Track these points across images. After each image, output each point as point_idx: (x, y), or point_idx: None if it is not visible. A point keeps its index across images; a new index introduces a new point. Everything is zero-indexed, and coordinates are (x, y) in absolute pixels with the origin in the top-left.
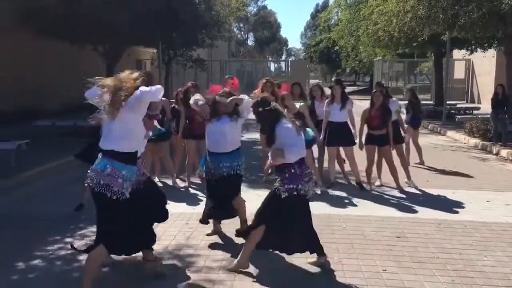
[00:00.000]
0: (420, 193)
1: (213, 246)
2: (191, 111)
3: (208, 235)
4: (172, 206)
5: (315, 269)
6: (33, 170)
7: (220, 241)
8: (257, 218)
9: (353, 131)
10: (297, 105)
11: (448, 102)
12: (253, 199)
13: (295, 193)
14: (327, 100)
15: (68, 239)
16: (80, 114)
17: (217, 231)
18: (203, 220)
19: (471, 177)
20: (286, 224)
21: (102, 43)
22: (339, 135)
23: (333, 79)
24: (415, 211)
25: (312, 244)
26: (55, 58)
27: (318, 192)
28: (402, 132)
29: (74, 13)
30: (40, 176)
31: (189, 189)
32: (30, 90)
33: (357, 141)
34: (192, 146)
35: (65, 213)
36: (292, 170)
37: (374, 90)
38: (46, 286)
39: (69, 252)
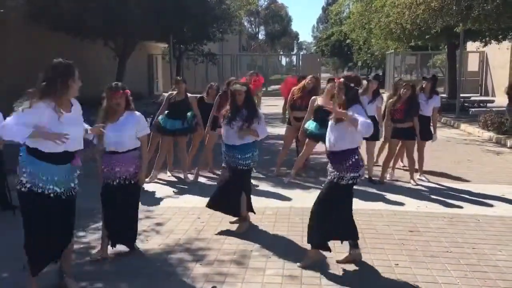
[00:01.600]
0: (433, 187)
1: (224, 240)
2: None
3: (231, 222)
4: (183, 201)
5: (327, 262)
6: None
7: (231, 235)
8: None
9: (380, 127)
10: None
11: (461, 95)
12: (265, 193)
13: (355, 181)
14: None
15: (81, 233)
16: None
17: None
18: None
19: (485, 170)
20: (346, 212)
21: (114, 38)
22: None
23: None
24: (427, 205)
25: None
26: (67, 54)
27: None
28: (432, 130)
29: (86, 8)
30: None
31: (201, 183)
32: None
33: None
34: (213, 137)
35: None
36: (356, 157)
37: (403, 83)
38: (57, 278)
39: (82, 246)
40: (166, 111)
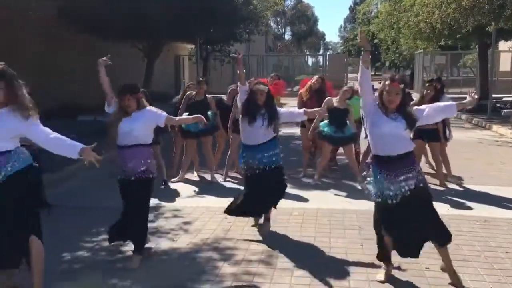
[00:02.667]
0: (464, 189)
1: (251, 240)
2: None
3: (252, 226)
4: (211, 201)
5: (356, 265)
6: (77, 164)
7: (258, 235)
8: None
9: None
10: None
11: (493, 95)
12: (292, 195)
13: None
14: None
15: None
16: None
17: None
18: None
19: None
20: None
21: (142, 40)
22: None
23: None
24: (459, 208)
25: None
26: (95, 55)
27: (359, 187)
28: (447, 130)
29: (114, 10)
30: (84, 169)
31: (228, 183)
32: (73, 87)
33: None
34: (236, 140)
35: (108, 206)
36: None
37: (427, 83)
38: (91, 276)
39: (112, 244)
40: (185, 113)
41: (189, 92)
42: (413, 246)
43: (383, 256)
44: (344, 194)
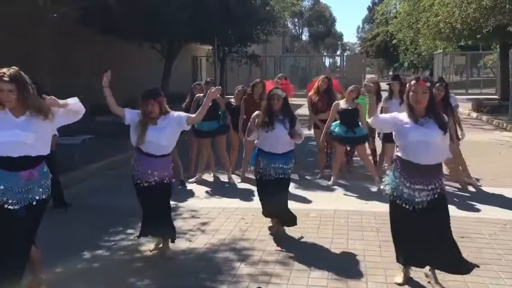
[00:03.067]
0: (485, 191)
1: (268, 241)
2: (253, 108)
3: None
4: (228, 201)
5: (374, 267)
6: (96, 164)
7: (275, 236)
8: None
9: None
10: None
11: None
12: (309, 196)
13: None
14: (384, 97)
15: (130, 230)
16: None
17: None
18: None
19: None
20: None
21: (160, 41)
22: None
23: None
24: (479, 211)
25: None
26: (116, 57)
27: (374, 189)
28: (458, 129)
29: (133, 12)
30: (103, 169)
31: (245, 184)
32: (93, 87)
33: None
34: (250, 142)
35: (127, 206)
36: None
37: (437, 83)
38: (109, 275)
39: (130, 243)
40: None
41: (197, 95)
42: (419, 260)
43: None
44: (362, 195)
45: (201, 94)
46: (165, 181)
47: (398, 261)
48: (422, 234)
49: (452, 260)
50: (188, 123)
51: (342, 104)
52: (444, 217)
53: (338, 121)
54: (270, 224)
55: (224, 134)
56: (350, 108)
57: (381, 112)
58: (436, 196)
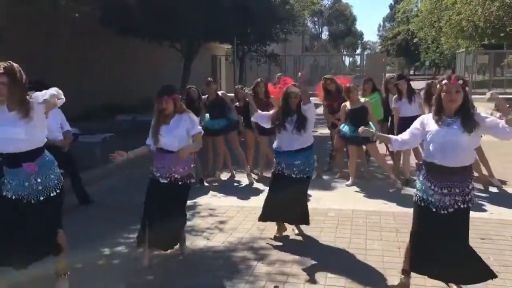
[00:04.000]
0: (507, 192)
1: (286, 240)
2: (262, 107)
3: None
4: (246, 200)
5: (392, 268)
6: (116, 162)
7: (293, 235)
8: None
9: None
10: (362, 99)
11: None
12: (328, 195)
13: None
14: (394, 97)
15: None
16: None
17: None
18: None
19: None
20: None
21: (179, 40)
22: None
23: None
24: (501, 212)
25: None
26: (135, 56)
27: (392, 190)
28: None
29: (152, 12)
30: (123, 168)
31: (262, 183)
32: (114, 87)
33: None
34: (264, 141)
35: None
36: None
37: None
38: (128, 271)
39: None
40: (207, 114)
41: (203, 97)
42: (431, 271)
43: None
44: (380, 195)
45: (205, 96)
46: (181, 182)
47: (405, 267)
48: (441, 247)
49: (471, 272)
50: (193, 138)
51: (348, 105)
52: (463, 233)
53: (347, 121)
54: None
55: (234, 130)
56: (355, 107)
57: (390, 114)
58: (462, 205)
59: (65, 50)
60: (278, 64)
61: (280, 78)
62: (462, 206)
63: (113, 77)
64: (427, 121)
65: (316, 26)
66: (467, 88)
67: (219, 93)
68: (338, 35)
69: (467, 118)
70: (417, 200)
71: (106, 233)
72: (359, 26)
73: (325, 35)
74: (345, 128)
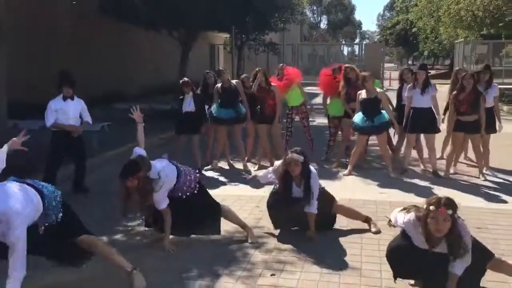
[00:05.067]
0: (503, 182)
1: (282, 229)
2: (264, 95)
3: None
4: (242, 189)
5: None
6: (114, 150)
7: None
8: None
9: (437, 117)
10: (378, 89)
11: None
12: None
13: None
14: (409, 86)
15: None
16: (155, 98)
17: None
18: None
19: None
20: None
21: (177, 29)
22: (422, 121)
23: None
24: (497, 201)
25: None
26: (133, 44)
27: (389, 179)
28: (497, 121)
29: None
30: (120, 156)
31: (260, 172)
32: (113, 75)
33: (440, 127)
34: (263, 130)
35: None
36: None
37: (464, 74)
38: (126, 259)
39: (147, 229)
40: (218, 100)
41: (215, 86)
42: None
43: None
44: (377, 184)
45: (218, 85)
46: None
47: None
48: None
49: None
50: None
51: (363, 94)
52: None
53: (360, 112)
54: None
55: (241, 123)
56: (370, 97)
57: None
58: None
59: (64, 38)
60: (276, 53)
61: (282, 68)
62: None
63: (112, 66)
64: (417, 241)
65: (315, 15)
66: (456, 216)
67: (234, 82)
68: (336, 25)
69: (455, 248)
70: None
71: (104, 221)
72: (358, 15)
73: (323, 24)
74: (357, 119)
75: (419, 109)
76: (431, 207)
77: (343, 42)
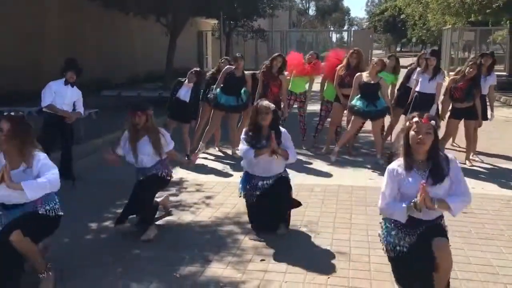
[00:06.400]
0: (489, 168)
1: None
2: (270, 81)
3: None
4: (232, 176)
5: (376, 241)
6: (102, 138)
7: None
8: None
9: (434, 105)
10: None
11: None
12: (314, 171)
13: None
14: (418, 69)
15: None
16: (143, 85)
17: None
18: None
19: None
20: None
21: (165, 14)
22: (421, 107)
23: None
24: (483, 187)
25: None
26: (120, 30)
27: (378, 165)
28: (489, 109)
29: None
30: (108, 144)
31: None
32: (101, 62)
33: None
34: None
35: (132, 179)
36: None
37: (470, 61)
38: (115, 246)
39: (136, 216)
40: (221, 85)
41: (228, 66)
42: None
43: None
44: (366, 171)
45: (233, 67)
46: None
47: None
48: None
49: None
50: (168, 153)
51: (365, 77)
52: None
53: (359, 95)
54: None
55: (239, 113)
56: (372, 82)
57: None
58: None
59: (51, 24)
60: (265, 40)
61: (312, 55)
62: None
63: (100, 52)
64: (399, 177)
65: (303, 2)
66: (438, 131)
67: (247, 73)
68: (325, 11)
69: (436, 167)
70: (387, 251)
71: (92, 208)
72: (347, 2)
73: (312, 10)
74: (358, 103)
75: (423, 94)
76: (414, 119)
77: (332, 29)
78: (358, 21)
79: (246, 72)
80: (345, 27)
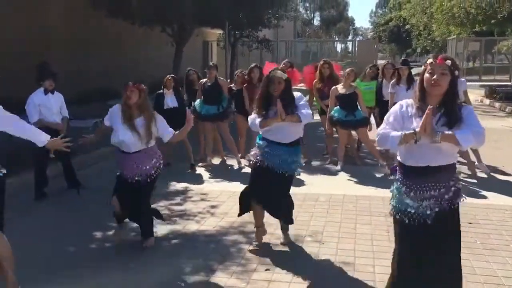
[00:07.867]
0: (494, 178)
1: (277, 224)
2: (254, 92)
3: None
4: (237, 185)
5: (381, 251)
6: (108, 147)
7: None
8: None
9: None
10: (354, 84)
11: None
12: (319, 181)
13: None
14: (392, 82)
15: None
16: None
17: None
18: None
19: None
20: None
21: (171, 25)
22: None
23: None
24: (488, 197)
25: None
26: (126, 40)
27: (380, 175)
28: None
29: None
30: (113, 152)
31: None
32: (107, 71)
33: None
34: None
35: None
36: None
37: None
38: (120, 255)
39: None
40: (198, 100)
41: (200, 80)
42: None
43: None
44: (371, 180)
45: (204, 80)
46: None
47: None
48: (429, 262)
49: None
50: (168, 139)
51: (340, 89)
52: (455, 239)
53: (338, 107)
54: None
55: (223, 121)
56: (348, 92)
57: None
58: (447, 206)
59: (58, 34)
60: (270, 50)
61: (286, 65)
62: (447, 207)
63: (106, 62)
64: (409, 109)
65: (308, 12)
66: (456, 73)
67: (220, 79)
68: (330, 21)
69: (450, 111)
70: (396, 213)
71: (97, 217)
72: (351, 12)
73: (317, 20)
74: (337, 114)
75: None
76: (429, 60)
77: (336, 39)
78: (362, 31)
79: (220, 78)
80: (350, 37)
